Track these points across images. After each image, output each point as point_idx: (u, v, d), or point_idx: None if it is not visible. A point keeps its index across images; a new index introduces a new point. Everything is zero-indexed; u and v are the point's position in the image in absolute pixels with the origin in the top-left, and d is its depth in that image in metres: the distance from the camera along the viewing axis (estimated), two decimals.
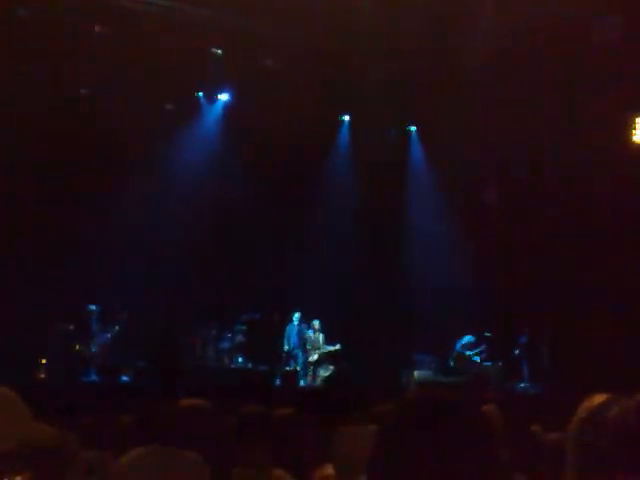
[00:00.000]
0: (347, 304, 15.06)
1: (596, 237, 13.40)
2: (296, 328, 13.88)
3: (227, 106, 14.75)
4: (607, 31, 12.60)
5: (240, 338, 13.52)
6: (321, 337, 13.95)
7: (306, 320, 14.06)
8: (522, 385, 13.37)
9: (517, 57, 13.09)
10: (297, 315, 13.96)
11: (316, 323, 13.97)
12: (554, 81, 13.35)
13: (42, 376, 11.17)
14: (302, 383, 13.33)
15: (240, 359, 13.28)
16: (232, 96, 14.68)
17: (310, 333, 13.91)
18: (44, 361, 11.43)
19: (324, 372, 13.44)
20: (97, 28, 12.66)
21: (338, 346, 13.86)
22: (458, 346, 13.78)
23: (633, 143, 13.92)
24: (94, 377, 11.49)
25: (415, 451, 1.26)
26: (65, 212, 12.91)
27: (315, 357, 13.79)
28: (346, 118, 15.58)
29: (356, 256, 15.16)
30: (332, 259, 15.32)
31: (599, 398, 1.73)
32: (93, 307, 12.09)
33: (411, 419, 1.30)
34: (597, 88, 13.38)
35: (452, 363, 13.84)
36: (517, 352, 13.53)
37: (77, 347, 11.56)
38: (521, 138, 14.47)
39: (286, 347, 13.69)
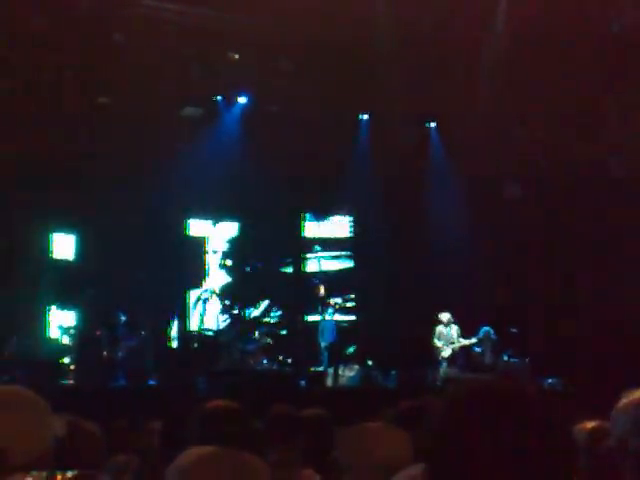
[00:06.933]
0: (372, 303, 15.06)
1: (617, 230, 13.25)
2: (331, 322, 13.55)
3: (245, 108, 14.81)
4: (627, 19, 12.45)
5: (265, 340, 13.51)
6: (455, 329, 12.71)
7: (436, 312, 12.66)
8: (550, 381, 13.23)
9: (536, 47, 12.94)
10: (331, 310, 13.84)
11: (446, 315, 12.67)
12: (574, 71, 13.20)
13: (71, 381, 11.28)
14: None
15: (265, 361, 13.25)
16: (250, 99, 14.72)
17: (441, 327, 12.68)
18: (72, 367, 11.56)
19: (349, 372, 13.31)
20: (115, 36, 12.75)
21: (474, 339, 12.77)
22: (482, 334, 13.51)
23: None
24: (122, 381, 11.57)
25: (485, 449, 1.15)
26: (89, 217, 13.13)
27: (449, 352, 12.63)
28: (365, 117, 15.54)
29: (379, 250, 15.18)
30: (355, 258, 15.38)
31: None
32: (122, 315, 12.22)
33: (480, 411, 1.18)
34: (618, 79, 13.23)
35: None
36: (543, 347, 13.39)
37: (105, 353, 11.66)
38: (541, 131, 14.34)
39: (322, 344, 13.16)
